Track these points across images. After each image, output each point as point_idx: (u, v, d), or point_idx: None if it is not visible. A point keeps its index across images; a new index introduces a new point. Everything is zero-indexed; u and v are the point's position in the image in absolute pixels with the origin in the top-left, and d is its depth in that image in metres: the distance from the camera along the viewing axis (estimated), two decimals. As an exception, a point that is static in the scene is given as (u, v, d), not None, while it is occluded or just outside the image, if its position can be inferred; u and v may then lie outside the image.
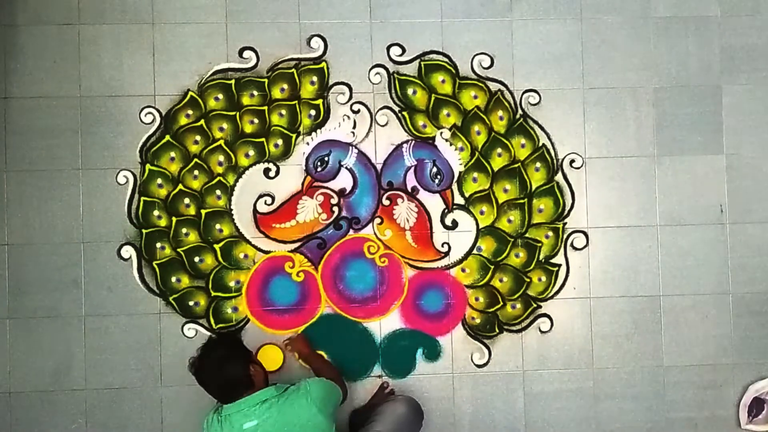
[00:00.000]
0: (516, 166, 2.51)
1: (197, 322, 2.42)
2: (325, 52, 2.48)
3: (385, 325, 2.46)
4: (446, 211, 2.49)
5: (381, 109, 2.49)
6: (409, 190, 2.48)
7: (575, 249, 2.51)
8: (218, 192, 2.44)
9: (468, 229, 2.49)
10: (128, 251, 2.41)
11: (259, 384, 2.01)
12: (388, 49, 2.49)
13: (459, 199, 2.49)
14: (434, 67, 2.51)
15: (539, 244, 2.50)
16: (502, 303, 2.49)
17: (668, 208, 2.53)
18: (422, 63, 2.50)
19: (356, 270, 2.45)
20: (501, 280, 2.49)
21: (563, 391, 2.49)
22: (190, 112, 2.45)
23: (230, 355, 2.02)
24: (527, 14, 2.54)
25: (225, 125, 2.45)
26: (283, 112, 2.47)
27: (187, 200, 2.44)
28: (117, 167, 2.42)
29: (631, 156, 2.53)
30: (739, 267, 2.54)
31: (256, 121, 2.46)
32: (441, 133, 2.50)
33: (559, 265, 2.50)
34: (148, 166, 2.43)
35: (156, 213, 2.43)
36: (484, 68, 2.52)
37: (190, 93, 2.45)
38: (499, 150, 2.51)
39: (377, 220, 2.47)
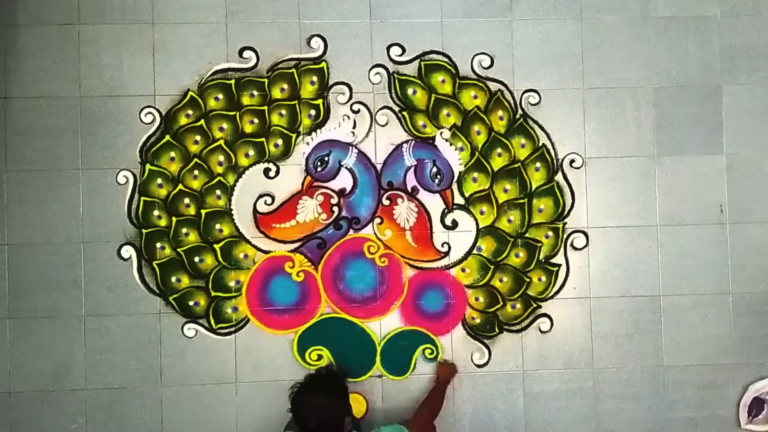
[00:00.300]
0: (516, 166, 2.51)
1: (197, 322, 2.42)
2: (325, 52, 2.48)
3: (385, 325, 2.46)
4: (446, 211, 2.49)
5: (381, 109, 2.49)
6: (409, 190, 2.48)
7: (575, 249, 2.51)
8: (218, 192, 2.44)
9: (468, 229, 2.49)
10: (128, 251, 2.41)
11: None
12: (388, 49, 2.49)
13: (459, 199, 2.49)
14: (434, 67, 2.51)
15: (539, 244, 2.50)
16: (502, 303, 2.49)
17: (668, 208, 2.53)
18: (422, 63, 2.50)
19: (356, 270, 2.45)
20: (501, 280, 2.49)
21: (563, 391, 2.49)
22: (190, 112, 2.45)
23: (340, 400, 2.01)
24: (527, 14, 2.54)
25: (225, 125, 2.45)
26: (283, 112, 2.47)
27: (187, 200, 2.44)
28: (117, 167, 2.42)
29: (631, 156, 2.53)
30: (739, 267, 2.54)
31: (256, 121, 2.46)
32: (441, 133, 2.50)
33: (559, 265, 2.51)
34: (148, 166, 2.43)
35: (156, 213, 2.43)
36: (484, 68, 2.52)
37: (190, 93, 2.45)
38: (499, 150, 2.51)
39: (377, 220, 2.47)
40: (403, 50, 2.50)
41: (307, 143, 2.47)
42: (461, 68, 2.51)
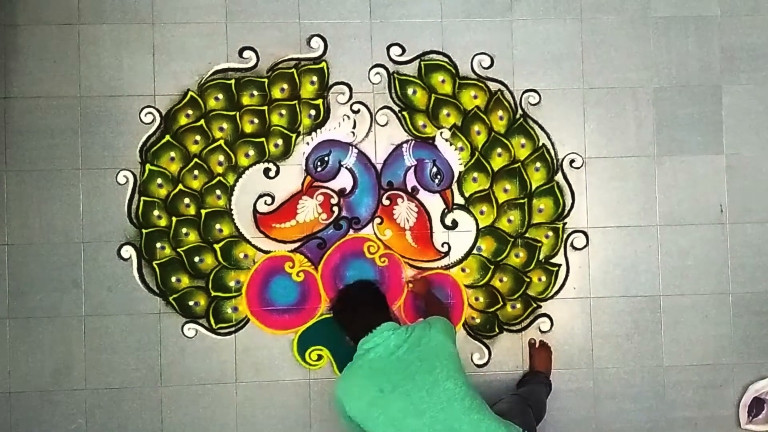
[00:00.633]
0: (516, 166, 2.51)
1: (197, 322, 2.42)
2: (325, 52, 2.48)
3: (385, 325, 2.45)
4: (446, 211, 2.49)
5: (381, 109, 2.49)
6: (409, 190, 2.48)
7: (575, 249, 2.51)
8: (218, 192, 2.44)
9: (468, 229, 2.49)
10: (128, 251, 2.41)
11: None
12: (388, 49, 2.49)
13: (459, 199, 2.49)
14: (434, 67, 2.51)
15: (539, 244, 2.50)
16: (502, 303, 2.49)
17: (668, 208, 2.53)
18: (422, 63, 2.50)
19: (356, 270, 2.45)
20: (501, 280, 2.49)
21: (563, 391, 2.49)
22: (190, 112, 2.45)
23: (378, 296, 2.18)
24: (527, 14, 2.54)
25: (225, 125, 2.45)
26: (283, 112, 2.47)
27: (187, 200, 2.44)
28: (117, 167, 2.42)
29: (631, 156, 2.54)
30: (739, 267, 2.54)
31: (256, 121, 2.46)
32: (441, 133, 2.50)
33: (559, 265, 2.51)
34: (148, 166, 2.43)
35: (156, 213, 2.43)
36: (484, 68, 2.52)
37: (190, 93, 2.45)
38: (499, 150, 2.51)
39: (377, 220, 2.47)
40: (403, 50, 2.50)
41: (307, 143, 2.47)
42: (461, 68, 2.51)
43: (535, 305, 2.50)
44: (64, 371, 2.39)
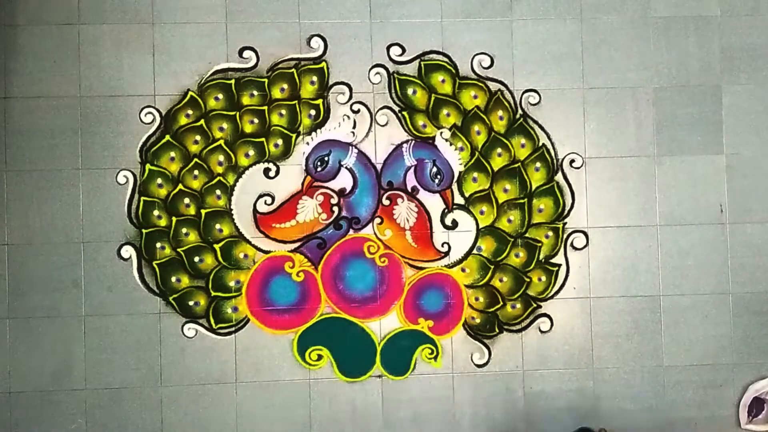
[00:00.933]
0: (516, 166, 2.51)
1: (197, 322, 2.42)
2: (325, 52, 2.48)
3: (385, 325, 2.46)
4: (446, 211, 2.49)
5: (381, 109, 2.49)
6: (409, 190, 2.48)
7: (575, 249, 2.51)
8: (218, 192, 2.44)
9: (468, 229, 2.49)
10: (128, 251, 2.41)
11: None
12: (388, 49, 2.49)
13: (459, 199, 2.49)
14: (434, 67, 2.51)
15: (539, 244, 2.50)
16: (502, 303, 2.49)
17: (668, 208, 2.53)
18: (422, 63, 2.50)
19: (356, 270, 2.45)
20: (501, 280, 2.49)
21: (563, 391, 2.49)
22: (190, 112, 2.45)
23: None
24: (527, 14, 2.54)
25: (225, 125, 2.45)
26: (283, 112, 2.47)
27: (187, 200, 2.44)
28: (117, 167, 2.42)
29: (631, 156, 2.53)
30: (739, 267, 2.54)
31: (256, 121, 2.46)
32: (441, 133, 2.50)
33: (559, 265, 2.50)
34: (148, 166, 2.43)
35: (156, 213, 2.43)
36: (484, 68, 2.52)
37: (190, 93, 2.45)
38: (499, 150, 2.51)
39: (377, 220, 2.47)
40: (403, 50, 2.50)
41: (307, 143, 2.47)
42: (461, 68, 2.51)
43: (535, 305, 2.50)
44: (64, 371, 2.39)
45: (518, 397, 2.48)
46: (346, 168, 2.48)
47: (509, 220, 2.50)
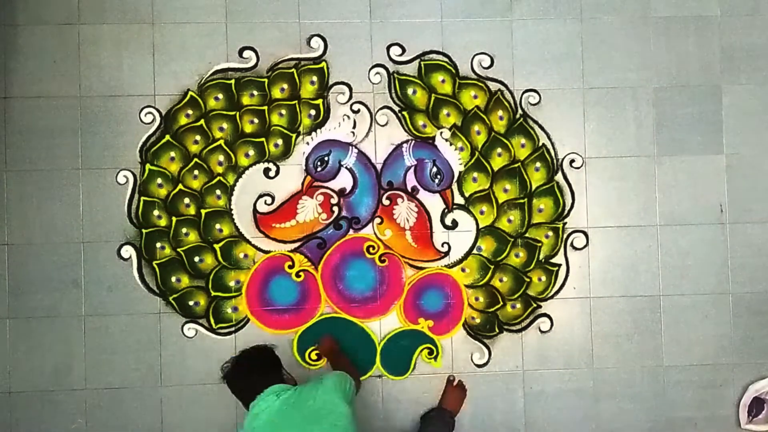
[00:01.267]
0: (516, 166, 2.51)
1: (197, 322, 2.42)
2: (325, 52, 2.48)
3: (384, 325, 2.46)
4: (446, 211, 2.49)
5: (381, 108, 2.49)
6: (409, 189, 2.48)
7: (575, 249, 2.51)
8: (218, 192, 2.44)
9: (468, 229, 2.49)
10: (128, 251, 2.41)
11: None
12: (388, 48, 2.49)
13: (459, 199, 2.49)
14: (434, 67, 2.51)
15: (539, 244, 2.50)
16: (502, 303, 2.49)
17: (668, 208, 2.53)
18: (422, 63, 2.50)
19: (356, 270, 2.45)
20: (501, 280, 2.49)
21: (563, 391, 2.49)
22: (190, 111, 2.45)
23: (268, 361, 2.01)
24: (527, 14, 2.54)
25: (225, 125, 2.45)
26: (283, 111, 2.47)
27: (187, 200, 2.44)
28: (117, 167, 2.42)
29: (631, 156, 2.54)
30: (739, 267, 2.54)
31: (256, 120, 2.46)
32: (441, 133, 2.50)
33: (559, 265, 2.51)
34: (148, 166, 2.43)
35: (156, 213, 2.43)
36: (484, 68, 2.52)
37: (190, 93, 2.45)
38: (499, 150, 2.51)
39: (377, 220, 2.47)
40: (403, 50, 2.50)
41: (307, 143, 2.47)
42: (461, 68, 2.51)
43: (535, 305, 2.50)
44: (64, 371, 2.39)
45: (518, 397, 2.48)
46: (346, 168, 2.48)
47: (509, 220, 2.50)
